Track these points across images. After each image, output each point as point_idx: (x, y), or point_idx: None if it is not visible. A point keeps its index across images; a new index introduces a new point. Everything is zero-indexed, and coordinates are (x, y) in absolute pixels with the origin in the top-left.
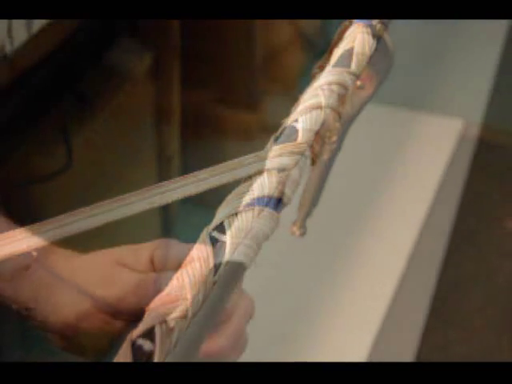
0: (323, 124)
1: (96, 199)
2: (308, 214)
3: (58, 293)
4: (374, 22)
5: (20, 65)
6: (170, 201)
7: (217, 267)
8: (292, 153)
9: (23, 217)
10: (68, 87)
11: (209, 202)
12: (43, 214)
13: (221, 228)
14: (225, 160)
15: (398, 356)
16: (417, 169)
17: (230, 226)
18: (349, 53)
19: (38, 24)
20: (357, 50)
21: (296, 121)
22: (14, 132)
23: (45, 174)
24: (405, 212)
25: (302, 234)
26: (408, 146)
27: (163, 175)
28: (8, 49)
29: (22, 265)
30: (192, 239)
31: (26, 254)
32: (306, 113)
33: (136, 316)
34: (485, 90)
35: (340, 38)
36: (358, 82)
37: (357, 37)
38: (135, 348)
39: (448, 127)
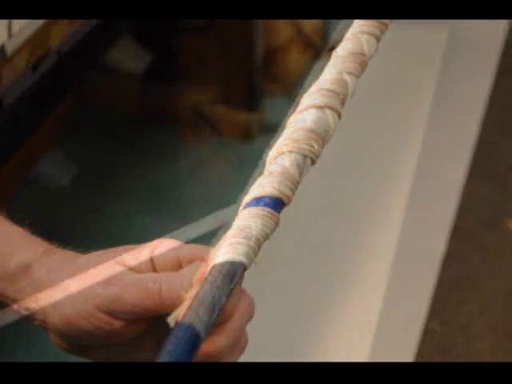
0: (323, 124)
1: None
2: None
3: (58, 293)
4: (374, 22)
5: (19, 65)
6: None
7: (217, 267)
8: (292, 153)
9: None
10: (68, 87)
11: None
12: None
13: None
14: (224, 159)
15: (397, 356)
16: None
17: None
18: (349, 53)
19: (38, 24)
20: (357, 50)
21: (296, 121)
22: (14, 132)
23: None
24: (405, 212)
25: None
26: None
27: (163, 174)
28: (8, 49)
29: (22, 264)
30: (191, 240)
31: (26, 254)
32: (307, 112)
33: (136, 316)
34: (484, 90)
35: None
36: None
37: (357, 37)
38: None
39: None
